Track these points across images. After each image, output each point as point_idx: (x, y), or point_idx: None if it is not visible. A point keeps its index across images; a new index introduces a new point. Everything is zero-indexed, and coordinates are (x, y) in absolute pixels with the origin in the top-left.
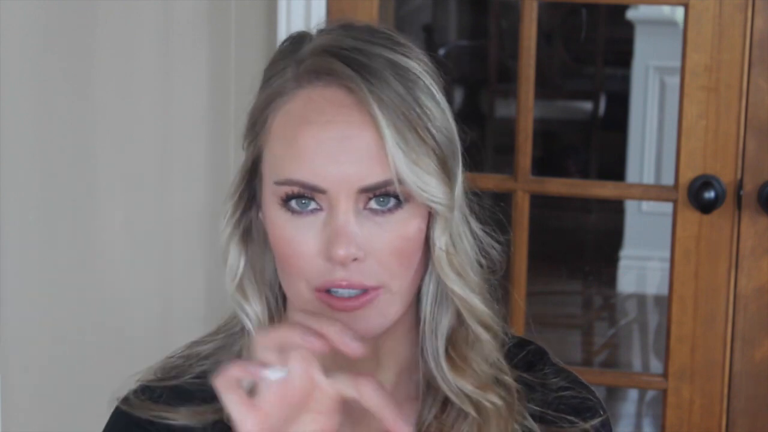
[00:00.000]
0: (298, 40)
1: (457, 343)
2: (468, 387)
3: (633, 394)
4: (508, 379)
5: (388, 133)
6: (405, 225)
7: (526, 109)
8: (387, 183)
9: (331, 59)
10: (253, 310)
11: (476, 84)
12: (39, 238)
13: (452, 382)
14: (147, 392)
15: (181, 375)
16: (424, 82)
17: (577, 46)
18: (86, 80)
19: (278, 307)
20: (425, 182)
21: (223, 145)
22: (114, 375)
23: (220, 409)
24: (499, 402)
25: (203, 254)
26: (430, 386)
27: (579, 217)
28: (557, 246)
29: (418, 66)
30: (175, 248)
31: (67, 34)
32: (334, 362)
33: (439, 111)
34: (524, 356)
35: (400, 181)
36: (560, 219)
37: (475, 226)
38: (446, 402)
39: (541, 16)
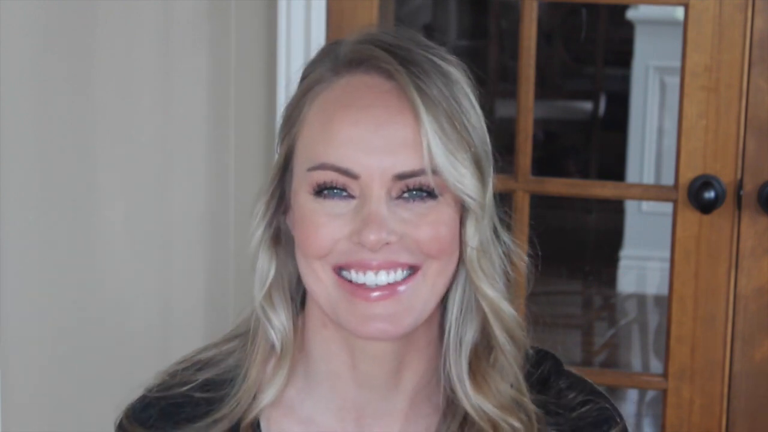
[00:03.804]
0: (334, 43)
1: (479, 360)
2: (489, 407)
3: (633, 394)
4: (528, 402)
5: (426, 120)
6: (438, 214)
7: (526, 109)
8: (421, 171)
9: (372, 47)
10: (279, 320)
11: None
12: (39, 238)
13: (474, 400)
14: (143, 412)
15: (183, 383)
16: (461, 85)
17: (577, 46)
18: (86, 80)
19: (297, 319)
20: (461, 174)
21: (223, 146)
22: (114, 374)
23: (219, 420)
24: (518, 425)
25: (203, 254)
26: (449, 404)
27: (579, 217)
28: (557, 246)
29: (457, 71)
30: (175, 248)
31: (67, 34)
32: (354, 380)
33: (475, 115)
34: (539, 375)
35: (435, 171)
36: (561, 219)
37: (505, 237)
38: (463, 423)
39: (541, 16)
